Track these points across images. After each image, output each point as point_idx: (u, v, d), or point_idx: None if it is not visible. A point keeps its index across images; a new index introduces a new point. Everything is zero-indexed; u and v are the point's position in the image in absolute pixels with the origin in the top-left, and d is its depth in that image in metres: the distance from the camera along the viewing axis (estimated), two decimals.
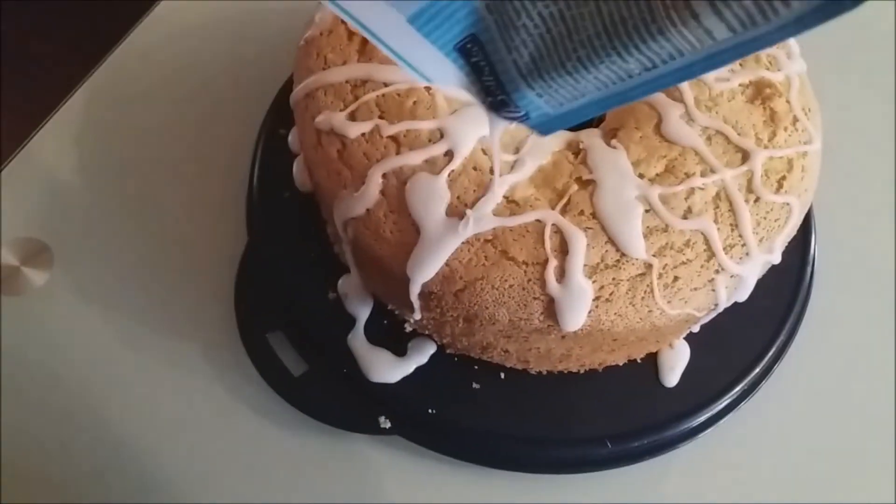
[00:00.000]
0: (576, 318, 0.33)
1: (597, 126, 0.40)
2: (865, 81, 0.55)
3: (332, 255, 0.44)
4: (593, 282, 0.34)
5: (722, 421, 0.41)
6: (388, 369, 0.41)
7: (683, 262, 0.34)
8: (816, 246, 0.46)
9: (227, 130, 0.51)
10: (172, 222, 0.48)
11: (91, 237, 0.48)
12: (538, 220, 0.34)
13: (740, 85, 0.38)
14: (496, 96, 0.23)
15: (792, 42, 0.41)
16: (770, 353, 0.43)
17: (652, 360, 0.42)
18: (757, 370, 0.42)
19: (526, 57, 0.22)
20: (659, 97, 0.38)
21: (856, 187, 0.50)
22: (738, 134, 0.37)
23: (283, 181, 0.47)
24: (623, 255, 0.34)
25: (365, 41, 0.39)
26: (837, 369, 0.45)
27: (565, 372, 0.41)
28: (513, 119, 0.24)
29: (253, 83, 0.52)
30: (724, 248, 0.35)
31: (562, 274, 0.34)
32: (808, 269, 0.45)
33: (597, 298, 0.34)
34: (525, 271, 0.34)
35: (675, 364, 0.41)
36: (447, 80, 0.24)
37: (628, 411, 0.40)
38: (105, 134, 0.51)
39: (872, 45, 0.57)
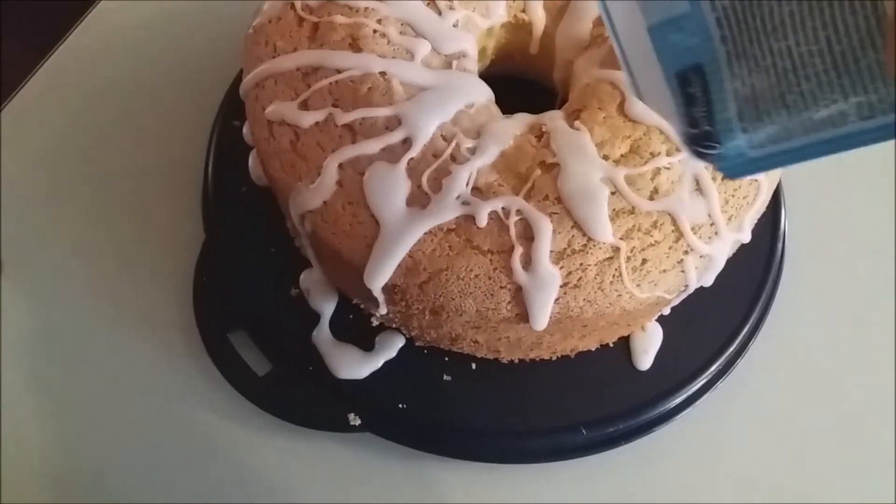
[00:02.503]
0: (544, 307, 0.32)
1: (560, 107, 0.39)
2: None
3: (293, 250, 0.43)
4: (560, 268, 0.33)
5: (698, 402, 0.41)
6: (356, 365, 0.40)
7: (651, 245, 0.33)
8: (786, 221, 0.45)
9: (180, 125, 0.49)
10: (126, 222, 0.46)
11: (40, 241, 0.46)
12: (502, 207, 0.33)
13: None
14: (700, 128, 0.24)
15: None
16: (743, 332, 0.42)
17: (625, 343, 0.41)
18: (731, 349, 0.42)
19: (747, 87, 0.22)
20: (621, 75, 0.37)
21: (825, 159, 0.50)
22: None
23: (240, 175, 0.45)
24: (590, 239, 0.33)
25: (315, 27, 0.37)
26: (811, 345, 0.44)
27: (537, 360, 0.41)
28: (705, 157, 0.24)
29: (205, 74, 0.51)
30: (693, 229, 0.34)
31: (528, 261, 0.33)
32: (779, 245, 0.44)
33: (565, 285, 0.33)
34: (490, 260, 0.33)
35: (648, 347, 0.41)
36: (657, 101, 0.24)
37: (602, 397, 0.40)
38: (51, 132, 0.49)
39: None
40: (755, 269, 0.43)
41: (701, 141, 0.24)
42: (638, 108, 0.36)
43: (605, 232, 0.33)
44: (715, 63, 0.22)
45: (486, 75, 0.39)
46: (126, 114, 0.50)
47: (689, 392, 0.40)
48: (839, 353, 0.44)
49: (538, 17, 0.41)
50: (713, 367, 0.41)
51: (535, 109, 0.38)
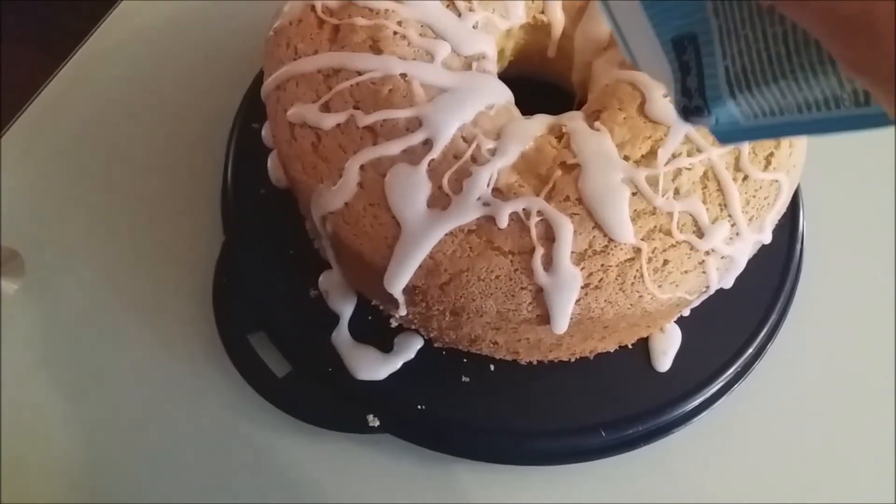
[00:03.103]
0: (565, 308, 0.32)
1: (579, 108, 0.39)
2: None
3: (313, 252, 0.43)
4: (581, 269, 0.33)
5: (716, 404, 0.41)
6: (375, 366, 0.40)
7: (673, 245, 0.33)
8: (805, 222, 0.45)
9: (199, 127, 0.50)
10: (146, 224, 0.47)
11: (63, 242, 0.46)
12: (523, 209, 0.33)
13: None
14: (691, 98, 0.24)
15: None
16: (762, 334, 0.42)
17: (643, 345, 0.41)
18: (749, 351, 0.42)
19: (738, 66, 0.22)
20: (641, 76, 0.37)
21: (842, 160, 0.49)
22: None
23: (259, 177, 0.45)
24: (611, 240, 0.33)
25: (336, 29, 0.37)
26: (830, 347, 0.44)
27: (556, 361, 0.41)
28: (698, 122, 0.24)
29: (224, 77, 0.51)
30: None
31: (549, 262, 0.33)
32: (798, 247, 0.44)
33: (586, 286, 0.33)
34: (511, 261, 0.33)
35: (667, 348, 0.40)
36: (655, 70, 0.24)
37: (621, 398, 0.39)
38: (72, 135, 0.50)
39: None
40: (774, 272, 0.43)
41: (691, 113, 0.24)
42: (658, 108, 0.36)
43: (627, 233, 0.33)
44: (708, 35, 0.22)
45: (504, 77, 0.39)
46: (145, 116, 0.50)
47: (708, 394, 0.40)
48: (858, 356, 0.44)
49: (557, 18, 0.41)
50: (732, 369, 0.41)
51: (554, 112, 0.38)
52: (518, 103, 0.38)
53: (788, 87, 0.21)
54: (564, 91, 0.45)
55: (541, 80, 0.45)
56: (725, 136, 0.24)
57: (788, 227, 0.44)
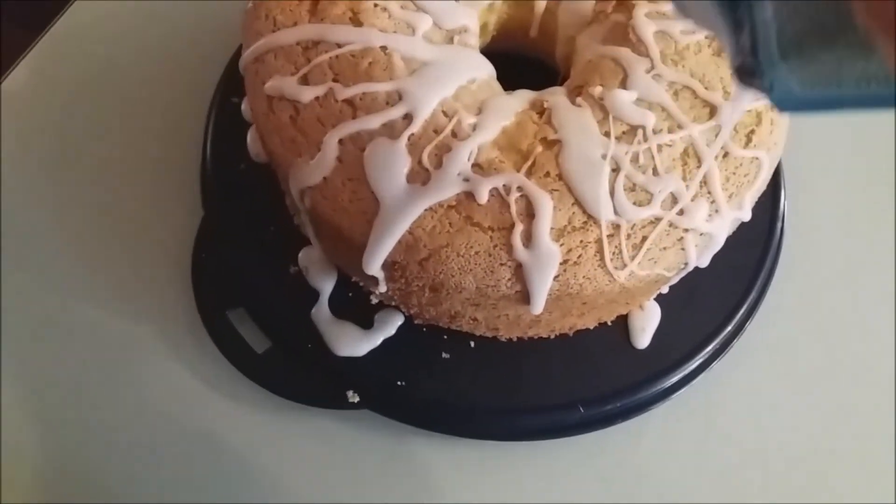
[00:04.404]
0: (543, 284, 0.32)
1: (561, 84, 0.38)
2: None
3: (292, 228, 0.43)
4: (561, 245, 0.33)
5: (695, 381, 0.41)
6: (355, 343, 0.40)
7: (651, 222, 0.33)
8: (786, 200, 0.45)
9: (178, 101, 0.49)
10: (124, 199, 0.46)
11: (38, 217, 0.45)
12: (503, 184, 0.33)
13: (706, 37, 0.37)
14: (745, 58, 0.22)
15: None
16: (741, 311, 0.42)
17: (622, 322, 0.41)
18: (729, 328, 0.42)
19: (792, 28, 0.21)
20: (624, 52, 0.37)
21: (823, 137, 0.50)
22: (706, 88, 0.36)
23: (239, 152, 0.45)
24: (590, 216, 0.33)
25: (316, 1, 0.37)
26: (809, 325, 0.44)
27: (535, 338, 0.41)
28: (754, 87, 0.23)
29: (204, 50, 0.50)
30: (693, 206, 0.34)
31: (528, 238, 0.32)
32: (778, 225, 0.44)
33: (564, 262, 0.33)
34: (491, 237, 0.33)
35: (646, 325, 0.41)
36: (709, 25, 0.23)
37: (600, 375, 0.40)
38: (48, 109, 0.49)
39: None
40: (754, 250, 0.43)
41: (747, 75, 0.23)
42: (640, 85, 0.35)
43: (606, 209, 0.33)
44: None
45: (487, 52, 0.39)
46: (123, 91, 0.49)
47: (686, 371, 0.41)
48: (837, 335, 0.44)
49: None
50: (710, 347, 0.41)
51: (537, 87, 0.38)
52: (501, 78, 0.38)
53: (847, 59, 0.20)
54: (548, 66, 0.44)
55: (524, 56, 0.45)
56: (781, 102, 0.23)
57: (769, 205, 0.44)
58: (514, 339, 0.41)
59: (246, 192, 0.44)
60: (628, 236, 0.33)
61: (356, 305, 0.41)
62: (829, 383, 0.43)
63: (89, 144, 0.48)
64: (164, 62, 0.50)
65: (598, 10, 0.39)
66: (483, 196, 0.33)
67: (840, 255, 0.46)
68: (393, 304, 0.40)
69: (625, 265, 0.33)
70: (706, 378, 0.41)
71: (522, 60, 0.45)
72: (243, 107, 0.45)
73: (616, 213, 0.33)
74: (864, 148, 0.50)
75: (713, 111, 0.35)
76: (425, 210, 0.33)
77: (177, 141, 0.47)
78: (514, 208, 0.33)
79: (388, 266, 0.34)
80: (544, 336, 0.41)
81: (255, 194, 0.43)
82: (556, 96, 0.36)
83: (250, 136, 0.45)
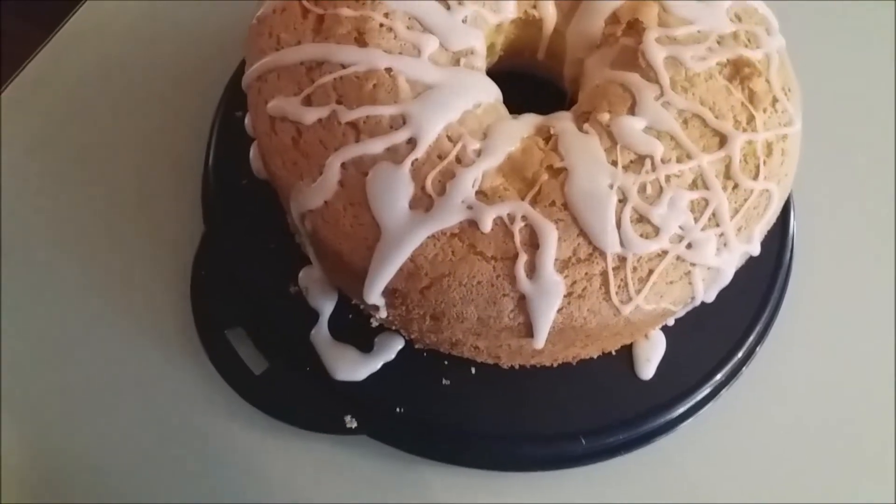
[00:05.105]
0: (546, 316, 0.32)
1: (568, 109, 0.38)
2: (842, 52, 0.53)
3: (294, 246, 0.42)
4: (565, 277, 0.32)
5: (700, 412, 0.40)
6: (354, 366, 0.39)
7: (658, 255, 0.33)
8: (795, 228, 0.44)
9: (181, 113, 0.48)
10: (124, 213, 0.45)
11: (38, 229, 0.45)
12: (508, 213, 0.32)
13: (718, 64, 0.36)
14: None
15: (771, 17, 0.40)
16: (749, 340, 0.42)
17: (627, 351, 0.40)
18: (737, 357, 0.41)
19: None
20: (633, 78, 0.36)
21: (834, 165, 0.49)
22: (716, 117, 0.35)
23: (241, 167, 0.44)
24: (595, 248, 0.32)
25: (321, 19, 0.36)
26: (817, 356, 0.44)
27: (538, 366, 0.40)
28: None
29: (208, 63, 0.50)
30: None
31: (532, 269, 0.32)
32: (787, 254, 0.44)
33: (569, 294, 0.32)
34: (494, 267, 0.32)
35: (651, 356, 0.40)
36: None
37: (603, 406, 0.39)
38: (51, 119, 0.48)
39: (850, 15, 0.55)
40: (762, 278, 0.43)
41: None
42: (648, 112, 0.35)
43: (612, 241, 0.32)
44: None
45: (494, 70, 0.38)
46: (126, 103, 0.49)
47: (691, 403, 0.40)
48: (845, 364, 0.44)
49: (549, 13, 0.40)
50: (716, 378, 0.41)
51: (545, 106, 0.37)
52: (508, 97, 0.37)
53: None
54: (556, 86, 0.44)
55: (531, 75, 0.44)
56: None
57: (779, 232, 0.43)
58: (517, 367, 0.40)
59: (248, 208, 0.43)
60: (634, 269, 0.32)
61: (356, 328, 0.40)
62: (837, 414, 0.42)
63: (88, 157, 0.47)
64: (166, 75, 0.50)
65: (608, 34, 0.39)
66: (487, 225, 0.32)
67: (849, 284, 0.46)
68: (393, 328, 0.39)
69: (630, 299, 0.32)
70: (712, 409, 0.40)
71: (530, 79, 0.44)
72: (247, 121, 0.45)
73: (622, 245, 0.32)
74: (876, 177, 0.49)
75: (723, 140, 0.35)
76: (427, 237, 0.32)
77: (179, 155, 0.47)
78: (517, 238, 0.32)
79: (389, 293, 0.33)
80: (547, 364, 0.40)
81: (257, 211, 0.43)
82: (562, 122, 0.36)
83: (253, 152, 0.44)
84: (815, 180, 0.46)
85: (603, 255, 0.32)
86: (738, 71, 0.36)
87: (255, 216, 0.43)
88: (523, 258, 0.32)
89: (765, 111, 0.36)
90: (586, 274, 0.32)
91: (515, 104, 0.37)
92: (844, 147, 0.50)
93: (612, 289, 0.32)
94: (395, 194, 0.32)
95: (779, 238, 0.43)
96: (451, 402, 0.39)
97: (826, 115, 0.47)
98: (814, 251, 0.46)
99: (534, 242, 0.32)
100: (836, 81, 0.52)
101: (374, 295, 0.33)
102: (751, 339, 0.42)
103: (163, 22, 0.52)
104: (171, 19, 0.52)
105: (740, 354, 0.41)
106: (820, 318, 0.45)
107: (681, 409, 0.40)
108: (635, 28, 0.38)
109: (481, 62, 0.38)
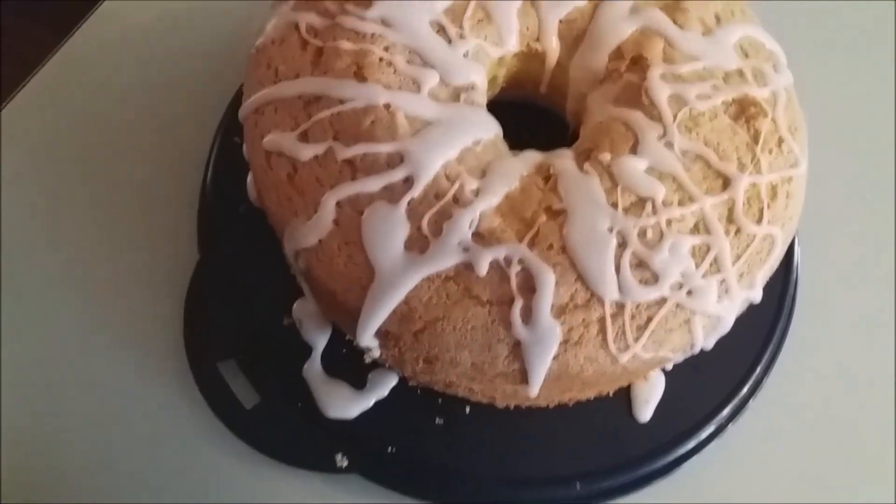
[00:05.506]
0: (541, 363, 0.31)
1: (570, 143, 0.37)
2: (850, 83, 0.53)
3: (288, 277, 0.41)
4: (562, 323, 0.31)
5: (698, 455, 0.39)
6: (347, 403, 0.38)
7: (658, 302, 0.32)
8: (799, 270, 0.44)
9: (178, 138, 0.48)
10: (117, 239, 0.45)
11: (29, 253, 0.44)
12: (504, 256, 0.31)
13: (723, 103, 0.36)
14: None
15: (779, 52, 0.39)
16: (750, 382, 0.41)
17: (625, 392, 0.40)
18: (737, 398, 0.40)
19: None
20: (636, 116, 0.35)
21: (838, 203, 0.48)
22: (720, 158, 0.34)
23: (238, 194, 0.43)
24: (593, 294, 0.31)
25: (320, 52, 0.36)
26: (818, 398, 0.43)
27: (534, 407, 0.39)
28: None
29: (208, 86, 0.49)
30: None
31: (528, 314, 0.31)
32: (790, 293, 0.43)
33: (565, 342, 0.31)
34: (489, 311, 0.31)
35: (649, 397, 0.39)
36: None
37: (599, 449, 0.38)
38: (45, 141, 0.48)
39: (857, 46, 0.54)
40: (764, 317, 0.42)
41: None
42: (651, 153, 0.34)
43: (611, 287, 0.31)
44: None
45: (495, 101, 0.37)
46: (124, 125, 0.48)
47: (690, 446, 0.39)
48: (846, 406, 0.43)
49: (552, 47, 0.40)
50: (716, 419, 0.40)
51: (546, 135, 0.37)
52: (509, 126, 0.37)
53: None
54: (558, 116, 0.43)
55: (534, 105, 0.44)
56: None
57: (782, 273, 0.42)
58: (512, 408, 0.39)
59: (243, 236, 0.43)
60: (633, 317, 0.32)
61: (349, 363, 0.39)
62: (838, 457, 0.41)
63: (86, 181, 0.46)
64: (166, 97, 0.49)
65: (612, 69, 0.38)
66: (483, 268, 0.31)
67: (851, 325, 0.45)
68: (387, 366, 0.39)
69: (628, 347, 0.31)
70: (711, 450, 0.39)
71: (531, 108, 0.44)
72: (245, 149, 0.44)
73: (621, 291, 0.31)
74: (879, 219, 0.48)
75: (726, 183, 0.34)
76: (422, 280, 0.31)
77: (175, 179, 0.46)
78: (514, 282, 0.31)
79: (382, 335, 0.33)
80: (543, 405, 0.39)
81: (253, 239, 0.42)
82: (563, 160, 0.35)
83: (250, 179, 0.44)
84: (819, 219, 0.45)
85: (601, 301, 0.31)
86: (744, 110, 0.36)
87: (250, 245, 0.42)
88: (519, 303, 0.31)
89: (770, 152, 0.35)
90: (583, 320, 0.31)
91: (516, 133, 0.37)
92: (849, 185, 0.49)
93: (610, 336, 0.31)
94: (390, 235, 0.32)
95: (781, 280, 0.42)
96: (444, 442, 0.38)
97: (831, 152, 0.47)
98: (816, 291, 0.45)
99: (530, 287, 0.31)
100: (841, 116, 0.51)
101: (367, 337, 0.32)
102: (750, 382, 0.41)
103: (162, 43, 0.51)
104: (172, 42, 0.51)
105: (740, 396, 0.40)
106: (821, 359, 0.44)
107: (677, 453, 0.39)
108: (639, 64, 0.37)
109: (482, 97, 0.37)
